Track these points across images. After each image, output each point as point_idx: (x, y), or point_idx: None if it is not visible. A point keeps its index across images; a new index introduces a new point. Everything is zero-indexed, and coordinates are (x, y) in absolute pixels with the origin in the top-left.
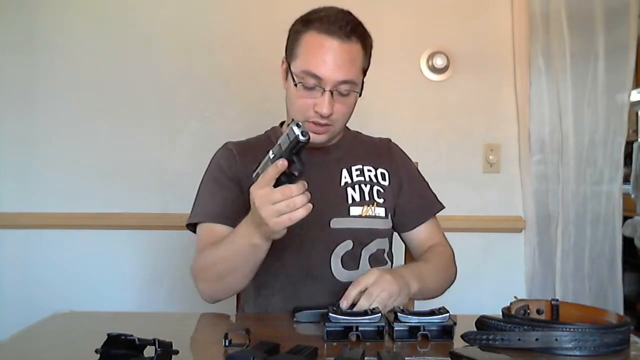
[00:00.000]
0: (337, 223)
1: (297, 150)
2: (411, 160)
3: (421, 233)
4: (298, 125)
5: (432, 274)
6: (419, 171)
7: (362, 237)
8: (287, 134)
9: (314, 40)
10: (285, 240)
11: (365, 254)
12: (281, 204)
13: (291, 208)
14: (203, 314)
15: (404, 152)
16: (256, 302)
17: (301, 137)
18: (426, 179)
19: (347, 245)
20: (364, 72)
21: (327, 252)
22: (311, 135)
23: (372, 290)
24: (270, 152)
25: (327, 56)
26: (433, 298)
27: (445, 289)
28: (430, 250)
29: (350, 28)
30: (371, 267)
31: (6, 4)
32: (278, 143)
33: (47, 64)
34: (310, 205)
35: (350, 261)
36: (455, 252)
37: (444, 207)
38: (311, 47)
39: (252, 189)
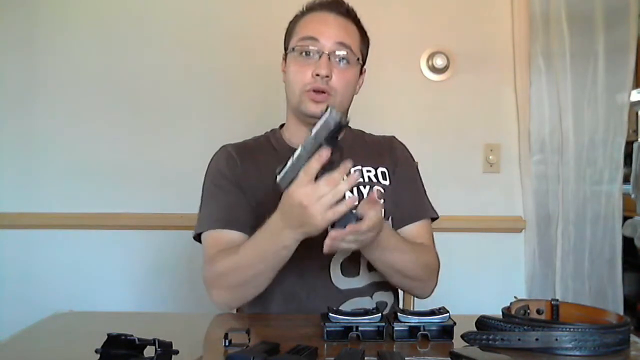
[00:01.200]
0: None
1: (336, 136)
2: (413, 161)
3: (404, 232)
4: (333, 111)
5: (398, 260)
6: (419, 174)
7: None
8: (326, 120)
9: (311, 16)
10: None
11: (364, 260)
12: (328, 197)
13: (337, 197)
14: (203, 314)
15: (408, 151)
16: (256, 306)
17: (344, 119)
18: (426, 178)
19: (347, 251)
20: (362, 57)
21: (326, 258)
22: (310, 105)
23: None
24: (301, 147)
25: (324, 23)
26: (393, 283)
27: (409, 286)
28: (416, 244)
29: (345, 8)
30: (369, 271)
31: (6, 4)
32: (311, 136)
33: (47, 64)
34: (352, 196)
35: (350, 268)
36: (455, 252)
37: (436, 217)
38: (309, 21)
39: (291, 190)
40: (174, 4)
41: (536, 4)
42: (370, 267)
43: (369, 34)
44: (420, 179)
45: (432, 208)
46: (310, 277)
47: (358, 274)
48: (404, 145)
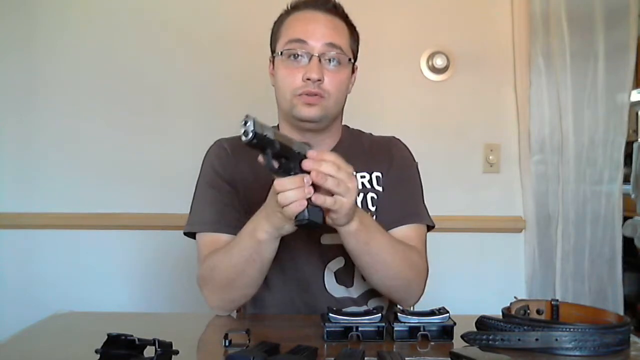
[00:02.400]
0: (327, 239)
1: (261, 146)
2: (412, 163)
3: (392, 234)
4: (249, 123)
5: (387, 248)
6: (418, 177)
7: None
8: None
9: (297, 16)
10: (281, 253)
11: (359, 271)
12: (279, 196)
13: (284, 203)
14: (203, 314)
15: (407, 152)
16: (254, 310)
17: (242, 137)
18: (426, 179)
19: (340, 261)
20: (353, 54)
21: (319, 267)
22: (304, 109)
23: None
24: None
25: (312, 23)
26: (376, 284)
27: (396, 286)
28: (403, 242)
29: (332, 4)
30: (365, 280)
31: (6, 4)
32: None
33: (47, 64)
34: (303, 202)
35: (345, 277)
36: (455, 252)
37: (432, 225)
38: (295, 21)
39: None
40: (174, 4)
41: (536, 4)
42: None
43: (369, 34)
44: (420, 182)
45: (428, 215)
46: (305, 283)
47: (352, 283)
48: (403, 146)
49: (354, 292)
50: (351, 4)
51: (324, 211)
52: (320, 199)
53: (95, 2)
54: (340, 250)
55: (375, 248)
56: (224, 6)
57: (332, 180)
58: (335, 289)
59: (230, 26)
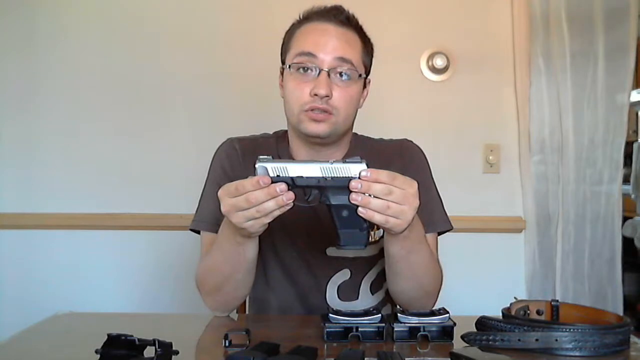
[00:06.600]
0: (333, 251)
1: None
2: (426, 167)
3: None
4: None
5: (424, 260)
6: (432, 181)
7: (360, 266)
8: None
9: (308, 27)
10: (285, 259)
11: (366, 283)
12: (250, 211)
13: (262, 213)
14: (203, 315)
15: (421, 156)
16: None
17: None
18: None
19: (345, 274)
20: (366, 68)
21: (323, 280)
22: (311, 125)
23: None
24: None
25: (322, 36)
26: (398, 290)
27: (412, 297)
28: None
29: (345, 16)
30: (372, 294)
31: (6, 4)
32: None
33: (47, 63)
34: (288, 203)
35: (349, 291)
36: (455, 252)
37: (450, 228)
38: (306, 33)
39: (220, 192)
40: (175, 4)
41: (536, 4)
42: (373, 290)
43: (368, 34)
44: (435, 186)
45: (445, 218)
46: (305, 296)
47: (357, 297)
48: (415, 148)
49: (359, 305)
50: (351, 5)
51: (368, 229)
52: (369, 215)
53: (96, 3)
54: (346, 262)
55: (414, 258)
56: (225, 9)
57: (380, 203)
58: (337, 304)
59: (231, 29)
